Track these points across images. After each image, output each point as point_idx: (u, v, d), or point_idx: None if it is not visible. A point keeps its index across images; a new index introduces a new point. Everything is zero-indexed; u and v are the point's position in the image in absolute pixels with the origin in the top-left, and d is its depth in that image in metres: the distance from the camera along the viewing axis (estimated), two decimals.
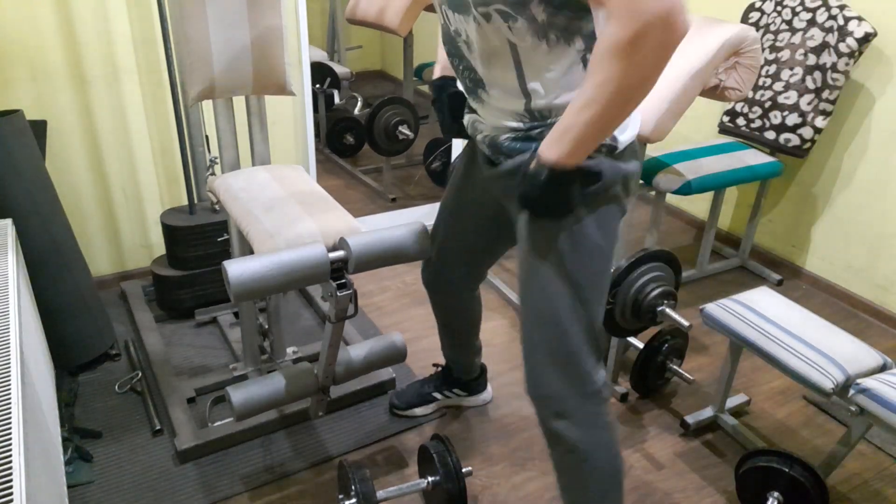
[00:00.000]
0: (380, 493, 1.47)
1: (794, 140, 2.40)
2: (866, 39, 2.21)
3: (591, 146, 0.99)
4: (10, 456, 0.94)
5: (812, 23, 2.33)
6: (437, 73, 1.43)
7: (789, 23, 2.41)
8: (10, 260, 1.46)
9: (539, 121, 1.11)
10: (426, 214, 3.09)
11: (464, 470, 1.48)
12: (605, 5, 0.88)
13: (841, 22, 2.24)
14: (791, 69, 2.39)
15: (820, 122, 2.35)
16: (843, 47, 2.24)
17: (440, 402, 1.89)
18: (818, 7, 2.32)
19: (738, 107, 2.58)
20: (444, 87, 1.36)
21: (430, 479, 1.51)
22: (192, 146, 2.24)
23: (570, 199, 1.06)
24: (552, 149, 1.00)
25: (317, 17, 4.63)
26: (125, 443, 1.75)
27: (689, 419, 1.86)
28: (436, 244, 1.55)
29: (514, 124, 1.14)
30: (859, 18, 2.21)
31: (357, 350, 1.64)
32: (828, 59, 2.29)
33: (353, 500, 1.40)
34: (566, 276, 1.14)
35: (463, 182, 1.44)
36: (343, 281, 1.33)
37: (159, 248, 2.48)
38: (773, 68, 2.45)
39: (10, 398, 1.05)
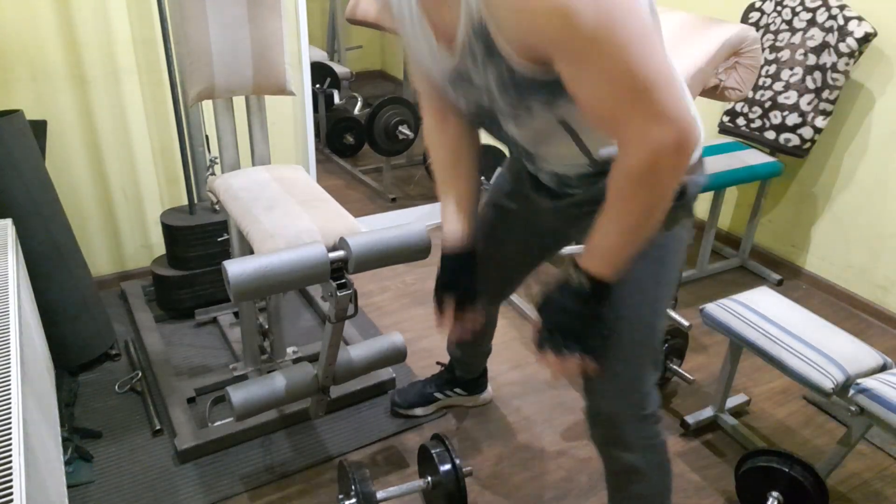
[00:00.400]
0: (380, 494, 1.47)
1: (794, 140, 2.40)
2: (866, 39, 2.21)
3: (628, 253, 0.98)
4: (10, 456, 0.94)
5: (812, 23, 2.33)
6: (453, 236, 1.25)
7: (789, 23, 2.41)
8: (10, 260, 1.46)
9: (607, 163, 1.07)
10: (426, 214, 3.09)
11: (464, 470, 1.48)
12: (617, 142, 0.89)
13: (841, 22, 2.24)
14: (791, 69, 2.39)
15: (820, 122, 2.35)
16: (843, 47, 2.24)
17: (441, 402, 1.89)
18: (818, 7, 2.32)
19: (738, 107, 2.58)
20: (465, 266, 1.27)
21: (430, 478, 1.51)
22: (192, 146, 2.24)
23: (603, 321, 1.04)
24: (592, 263, 0.99)
25: (317, 17, 4.63)
26: (125, 443, 1.75)
27: (689, 419, 1.86)
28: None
29: (581, 170, 1.11)
30: (859, 18, 2.20)
31: (357, 350, 1.64)
32: (828, 59, 2.29)
33: (353, 500, 1.40)
34: (653, 296, 1.14)
35: (509, 204, 1.38)
36: (343, 281, 1.33)
37: (159, 248, 2.48)
38: (773, 68, 2.45)
39: (10, 398, 1.05)
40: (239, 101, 2.26)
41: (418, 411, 1.87)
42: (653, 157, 0.85)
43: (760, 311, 1.68)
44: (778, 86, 2.43)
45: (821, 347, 1.55)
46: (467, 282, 1.28)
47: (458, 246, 1.25)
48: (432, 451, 1.49)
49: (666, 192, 0.90)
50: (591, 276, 0.99)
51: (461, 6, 0.88)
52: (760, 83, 2.49)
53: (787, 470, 1.47)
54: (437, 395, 1.87)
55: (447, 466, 1.46)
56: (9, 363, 1.13)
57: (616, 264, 0.98)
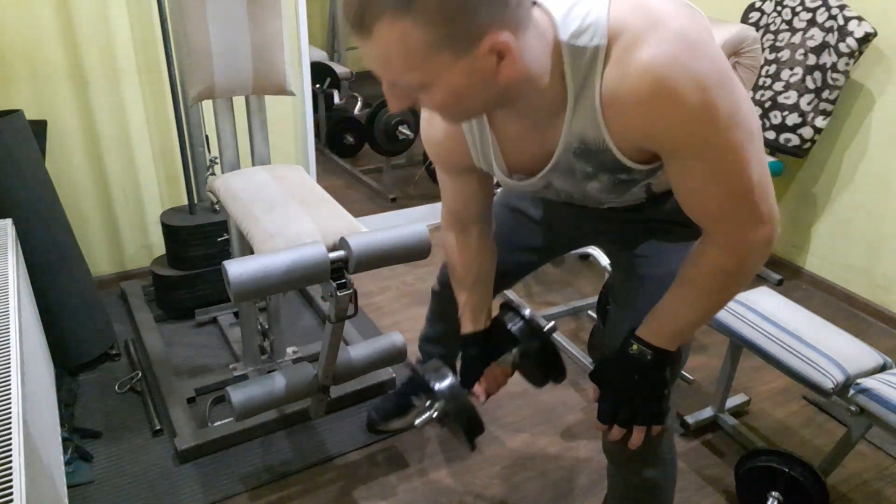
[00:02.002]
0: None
1: (794, 140, 2.40)
2: (866, 39, 2.21)
3: (696, 329, 1.00)
4: (10, 456, 0.94)
5: (812, 23, 2.33)
6: (470, 325, 1.25)
7: (789, 23, 2.41)
8: (10, 260, 1.46)
9: (660, 195, 1.07)
10: (426, 214, 3.09)
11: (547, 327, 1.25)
12: (709, 234, 0.90)
13: (841, 22, 2.24)
14: (791, 69, 2.39)
15: (820, 121, 2.35)
16: (843, 47, 2.24)
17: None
18: (818, 7, 2.32)
19: None
20: (485, 354, 1.25)
21: (514, 349, 1.27)
22: (192, 146, 2.23)
23: (666, 386, 1.02)
24: (658, 339, 0.99)
25: (317, 17, 4.63)
26: (125, 443, 1.75)
27: (689, 419, 1.86)
28: None
29: (633, 202, 1.10)
30: (859, 18, 2.20)
31: (357, 350, 1.64)
32: (828, 59, 2.29)
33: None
34: None
35: (527, 208, 1.33)
36: (343, 281, 1.33)
37: (159, 248, 2.48)
38: (773, 68, 2.45)
39: (10, 398, 1.05)
40: (239, 101, 2.25)
41: (397, 424, 1.81)
42: (747, 254, 0.87)
43: (760, 311, 1.68)
44: (778, 86, 2.43)
45: (821, 347, 1.55)
46: (487, 357, 1.27)
47: (479, 330, 1.26)
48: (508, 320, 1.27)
49: (748, 279, 0.91)
50: (654, 347, 0.99)
51: (560, 141, 0.88)
52: (760, 83, 2.49)
53: (787, 470, 1.47)
54: (414, 399, 1.81)
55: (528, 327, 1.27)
56: (9, 363, 1.13)
57: (684, 339, 0.99)
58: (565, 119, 0.84)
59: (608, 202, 1.01)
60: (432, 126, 1.04)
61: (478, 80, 0.74)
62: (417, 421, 1.21)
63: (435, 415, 1.20)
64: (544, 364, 1.26)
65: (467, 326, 1.26)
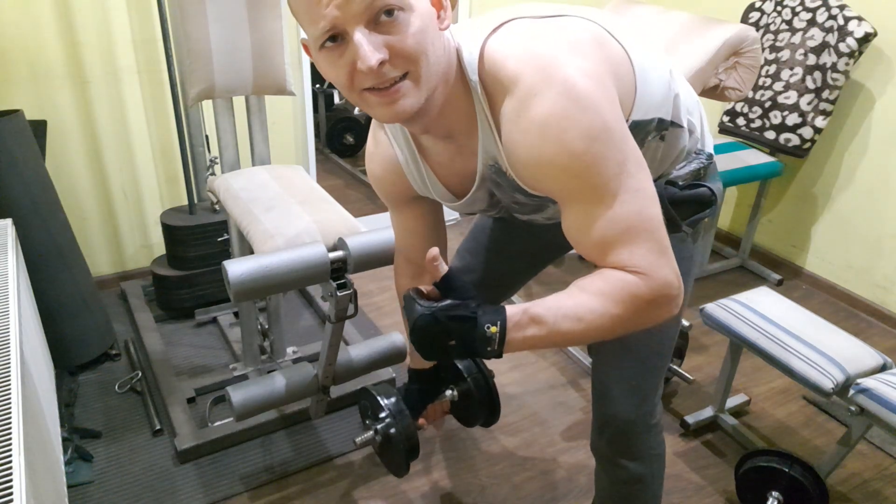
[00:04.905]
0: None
1: (794, 140, 2.40)
2: (866, 39, 2.21)
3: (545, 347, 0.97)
4: (10, 456, 0.94)
5: (812, 23, 2.33)
6: (418, 361, 1.33)
7: (789, 23, 2.41)
8: (10, 260, 1.46)
9: None
10: None
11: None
12: (637, 268, 0.84)
13: (841, 22, 2.24)
14: (791, 69, 2.39)
15: (820, 122, 2.35)
16: (843, 47, 2.24)
17: None
18: (818, 7, 2.32)
19: (738, 107, 2.58)
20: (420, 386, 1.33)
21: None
22: (192, 146, 2.24)
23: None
24: (514, 334, 0.86)
25: None
26: (125, 443, 1.75)
27: (689, 419, 1.86)
28: (472, 278, 1.37)
29: None
30: (859, 18, 2.20)
31: (357, 350, 1.64)
32: (828, 58, 2.29)
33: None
34: None
35: (509, 224, 1.34)
36: (343, 281, 1.33)
37: (159, 248, 2.48)
38: (773, 68, 2.45)
39: (10, 398, 1.05)
40: (239, 101, 2.25)
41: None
42: (661, 295, 0.84)
43: (760, 311, 1.68)
44: (778, 86, 2.43)
45: (821, 347, 1.55)
46: (431, 392, 1.37)
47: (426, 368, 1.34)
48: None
49: (637, 324, 0.86)
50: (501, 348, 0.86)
51: (479, 157, 0.92)
52: (760, 83, 2.49)
53: (787, 470, 1.47)
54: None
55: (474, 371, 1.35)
56: (9, 363, 1.13)
57: (530, 345, 0.87)
58: (479, 136, 0.89)
59: (546, 211, 1.02)
60: (373, 160, 1.08)
61: (430, 24, 0.79)
62: (358, 438, 1.32)
63: (378, 437, 1.32)
64: (482, 404, 1.35)
65: (416, 363, 1.35)
